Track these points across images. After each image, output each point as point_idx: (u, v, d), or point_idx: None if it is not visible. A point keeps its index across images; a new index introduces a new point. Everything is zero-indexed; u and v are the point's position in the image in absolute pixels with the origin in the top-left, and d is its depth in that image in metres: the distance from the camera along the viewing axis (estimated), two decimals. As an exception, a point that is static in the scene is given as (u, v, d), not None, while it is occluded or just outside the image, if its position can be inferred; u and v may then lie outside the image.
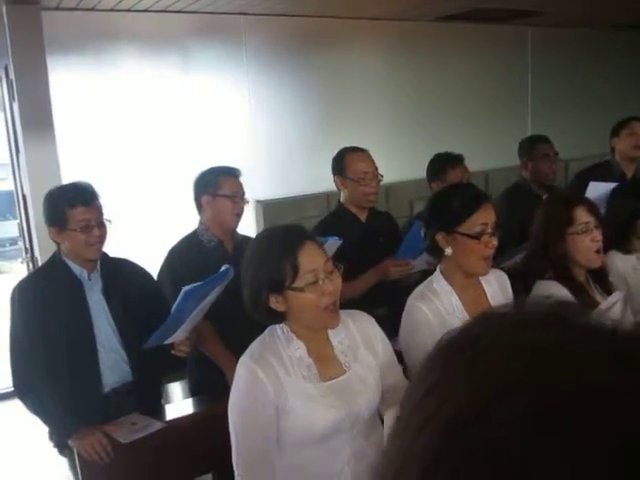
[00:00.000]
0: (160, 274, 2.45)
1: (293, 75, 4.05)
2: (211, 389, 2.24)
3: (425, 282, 1.88)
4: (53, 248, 2.21)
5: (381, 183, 2.68)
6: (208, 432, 1.97)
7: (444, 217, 1.80)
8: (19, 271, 5.43)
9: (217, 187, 2.42)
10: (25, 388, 2.05)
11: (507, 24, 4.75)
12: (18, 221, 4.35)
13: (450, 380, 0.37)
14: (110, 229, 2.17)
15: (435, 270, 1.88)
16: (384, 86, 4.42)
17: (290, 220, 3.41)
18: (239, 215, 2.46)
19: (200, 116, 3.72)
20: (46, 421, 2.09)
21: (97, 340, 2.12)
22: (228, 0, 3.39)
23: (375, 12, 4.04)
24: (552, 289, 1.94)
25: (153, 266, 2.45)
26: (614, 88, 5.33)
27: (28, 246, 3.95)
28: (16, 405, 2.16)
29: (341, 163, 2.64)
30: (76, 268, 2.13)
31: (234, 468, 1.46)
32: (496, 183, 4.21)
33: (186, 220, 2.61)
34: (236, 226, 2.49)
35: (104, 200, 2.19)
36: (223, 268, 1.97)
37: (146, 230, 3.42)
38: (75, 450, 1.96)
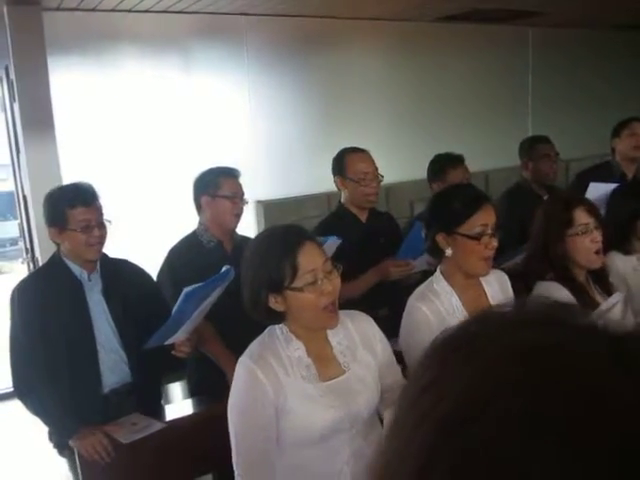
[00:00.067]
0: (160, 275, 2.45)
1: (294, 75, 4.05)
2: (211, 390, 2.24)
3: (426, 282, 1.88)
4: (54, 248, 2.21)
5: (381, 183, 2.68)
6: (208, 432, 1.97)
7: (444, 218, 1.80)
8: (20, 271, 5.43)
9: (217, 188, 2.43)
10: (25, 388, 2.05)
11: (507, 24, 4.75)
12: (19, 221, 4.35)
13: (446, 378, 0.37)
14: (110, 229, 2.17)
15: (435, 271, 1.88)
16: (384, 86, 4.42)
17: (291, 220, 3.41)
18: (239, 216, 2.47)
19: (201, 116, 3.72)
20: (46, 421, 2.09)
21: (97, 341, 2.12)
22: (229, 0, 3.40)
23: (375, 12, 4.05)
24: (553, 290, 1.94)
25: (153, 267, 2.45)
26: (614, 88, 5.33)
27: (29, 246, 3.95)
28: (16, 405, 2.16)
29: (341, 163, 2.64)
30: (76, 269, 2.13)
31: (234, 468, 1.46)
32: (496, 183, 4.21)
33: (186, 221, 2.61)
34: (235, 226, 2.50)
35: (105, 200, 2.20)
36: (224, 269, 1.97)
37: (147, 230, 3.42)
38: (76, 450, 1.97)
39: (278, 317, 1.48)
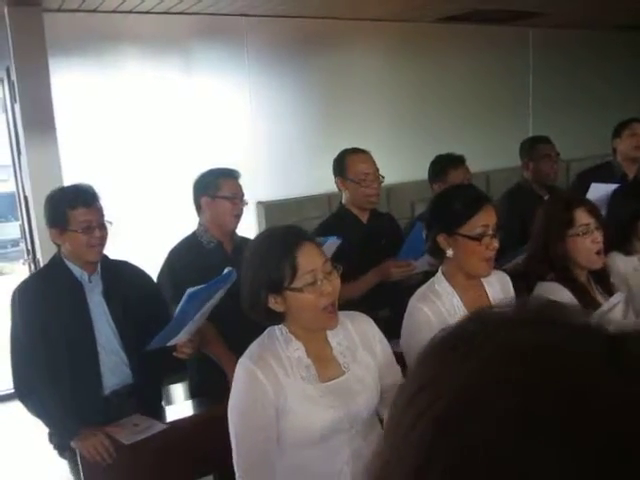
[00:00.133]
0: (160, 276, 2.45)
1: (294, 76, 4.05)
2: (212, 391, 2.24)
3: (427, 283, 1.88)
4: (55, 250, 2.21)
5: (382, 184, 2.68)
6: (209, 434, 1.97)
7: (445, 219, 1.80)
8: (21, 273, 5.43)
9: (216, 189, 2.43)
10: (26, 390, 2.05)
11: (508, 25, 4.75)
12: (20, 222, 4.36)
13: (443, 377, 0.38)
14: (111, 231, 2.17)
15: (437, 271, 1.88)
16: (385, 87, 4.42)
17: (291, 221, 3.40)
18: (238, 216, 2.47)
19: (201, 117, 3.72)
20: (47, 423, 2.09)
21: (98, 342, 2.12)
22: (230, 2, 3.40)
23: (376, 13, 4.05)
24: (554, 290, 1.94)
25: (153, 268, 2.45)
26: (615, 89, 5.33)
27: (30, 247, 3.96)
28: (17, 407, 2.16)
29: (342, 164, 2.64)
30: (77, 270, 2.13)
31: (235, 469, 1.46)
32: (497, 184, 4.21)
33: (187, 222, 2.61)
34: (235, 227, 2.50)
35: (106, 201, 2.20)
36: (226, 270, 1.97)
37: (149, 231, 3.42)
38: (77, 451, 1.97)
39: (277, 318, 1.48)
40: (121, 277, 2.21)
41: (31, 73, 3.15)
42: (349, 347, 1.56)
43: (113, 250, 2.25)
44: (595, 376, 0.34)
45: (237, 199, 2.45)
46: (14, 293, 2.11)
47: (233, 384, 1.47)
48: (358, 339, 1.58)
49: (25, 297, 2.09)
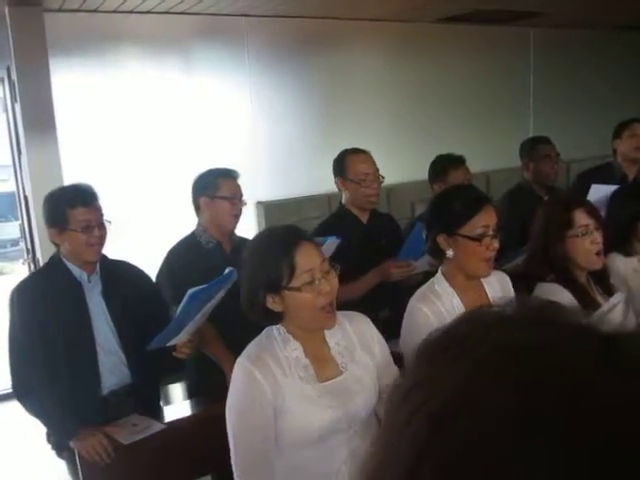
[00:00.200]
0: (159, 276, 2.45)
1: (294, 76, 4.05)
2: (210, 390, 2.24)
3: (427, 284, 1.88)
4: (54, 249, 2.21)
5: (382, 185, 2.68)
6: (208, 434, 1.97)
7: (445, 219, 1.80)
8: (21, 272, 5.43)
9: (215, 189, 2.43)
10: (24, 389, 2.04)
11: (509, 25, 4.75)
12: (20, 222, 4.35)
13: (438, 376, 0.38)
14: (111, 230, 2.17)
15: (437, 272, 1.88)
16: (385, 87, 4.42)
17: (291, 221, 3.40)
18: (237, 217, 2.47)
19: (202, 117, 3.73)
20: (46, 423, 2.08)
21: (96, 342, 2.11)
22: (230, 2, 3.40)
23: (376, 13, 4.05)
24: (554, 291, 1.94)
25: (152, 268, 2.45)
26: (616, 89, 5.32)
27: (30, 247, 3.95)
28: (15, 407, 2.15)
29: (342, 165, 2.64)
30: (76, 270, 2.12)
31: (233, 469, 1.46)
32: (497, 184, 4.21)
33: (187, 222, 2.61)
34: (234, 227, 2.50)
35: (106, 201, 2.20)
36: (227, 271, 1.97)
37: (149, 231, 3.42)
38: (76, 451, 1.97)
39: (275, 318, 1.49)
40: (120, 277, 2.21)
41: (32, 73, 3.15)
42: (347, 347, 1.55)
43: (112, 250, 2.25)
44: (589, 376, 0.34)
45: (236, 199, 2.45)
46: (12, 292, 2.11)
47: (231, 384, 1.47)
48: (356, 339, 1.58)
49: (23, 296, 2.09)
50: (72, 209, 2.06)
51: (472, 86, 4.75)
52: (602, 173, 3.29)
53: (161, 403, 2.44)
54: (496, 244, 1.77)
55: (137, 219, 3.44)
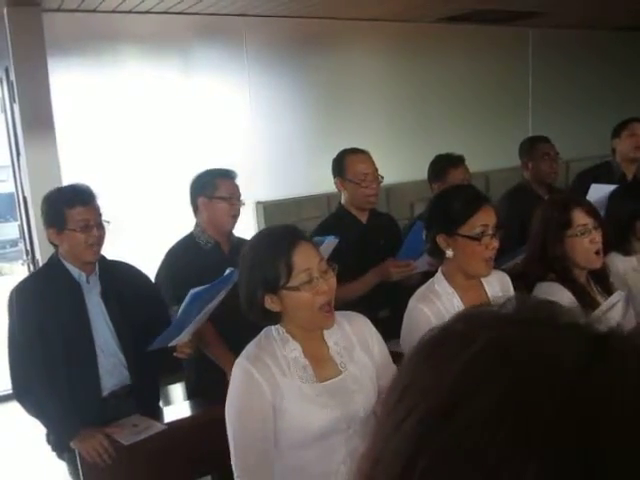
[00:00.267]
0: (158, 276, 2.45)
1: (294, 76, 4.05)
2: (209, 391, 2.24)
3: (427, 283, 1.88)
4: (53, 250, 2.20)
5: (381, 184, 2.68)
6: (208, 434, 1.97)
7: (444, 219, 1.80)
8: (20, 273, 5.43)
9: (213, 189, 2.43)
10: (23, 390, 2.04)
11: (508, 25, 4.75)
12: (19, 223, 4.35)
13: (431, 375, 0.38)
14: (110, 230, 2.17)
15: (437, 272, 1.88)
16: (385, 87, 4.42)
17: (291, 221, 3.40)
18: (235, 217, 2.47)
19: (201, 117, 3.72)
20: (46, 423, 2.08)
21: (96, 344, 2.11)
22: (229, 2, 3.40)
23: (375, 13, 4.04)
24: (553, 291, 1.94)
25: (151, 268, 2.45)
26: (614, 89, 5.33)
27: (29, 248, 3.95)
28: (15, 407, 2.15)
29: (341, 165, 2.64)
30: (74, 271, 2.12)
31: (233, 469, 1.46)
32: (497, 184, 4.21)
33: (187, 222, 2.61)
34: (232, 228, 2.50)
35: (105, 202, 2.20)
36: (228, 271, 1.97)
37: (148, 232, 3.41)
38: (77, 452, 1.96)
39: (274, 318, 1.49)
40: (119, 278, 2.20)
41: (30, 73, 3.14)
42: (346, 347, 1.55)
43: (111, 250, 2.25)
44: (576, 375, 0.34)
45: (234, 199, 2.45)
46: (11, 293, 2.10)
47: (230, 384, 1.47)
48: (355, 339, 1.58)
49: (22, 297, 2.08)
50: (70, 209, 2.06)
51: (471, 86, 4.75)
52: (601, 172, 3.29)
53: (161, 404, 2.44)
54: (496, 243, 1.77)
55: (136, 219, 3.43)
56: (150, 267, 2.45)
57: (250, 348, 1.50)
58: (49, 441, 2.17)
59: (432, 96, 4.58)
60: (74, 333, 2.07)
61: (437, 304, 1.78)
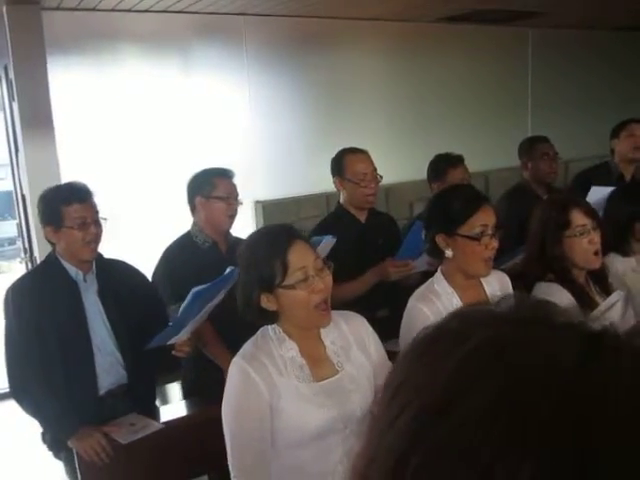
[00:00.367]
0: (155, 275, 2.44)
1: (293, 75, 4.05)
2: (206, 390, 2.24)
3: (426, 283, 1.88)
4: (51, 248, 2.20)
5: (381, 184, 2.67)
6: (205, 434, 1.97)
7: (444, 219, 1.80)
8: (18, 271, 5.42)
9: (211, 189, 2.42)
10: (20, 388, 2.04)
11: (507, 25, 4.75)
12: (17, 221, 4.34)
13: (425, 373, 0.38)
14: (108, 228, 2.17)
15: (436, 271, 1.88)
16: (384, 87, 4.42)
17: (289, 221, 3.40)
18: (233, 216, 2.46)
19: (200, 116, 3.72)
20: (43, 422, 2.08)
21: (93, 343, 2.11)
22: (229, 0, 3.39)
23: (375, 13, 4.04)
24: (552, 291, 1.94)
25: (149, 267, 2.44)
26: (614, 89, 5.33)
27: (27, 246, 3.94)
28: (12, 406, 2.14)
29: (340, 164, 2.64)
30: (71, 269, 2.11)
31: (230, 469, 1.45)
32: (496, 184, 4.21)
33: (185, 221, 2.60)
34: (229, 227, 2.49)
35: (103, 200, 2.19)
36: (228, 270, 1.97)
37: (146, 230, 3.41)
38: (74, 451, 1.96)
39: (270, 317, 1.48)
40: (116, 276, 2.20)
41: (29, 71, 3.14)
42: (343, 347, 1.55)
43: (108, 248, 2.25)
44: (569, 374, 0.33)
45: (231, 199, 2.44)
46: (7, 291, 2.10)
47: (227, 383, 1.47)
48: (352, 339, 1.57)
49: (19, 295, 2.08)
50: (67, 206, 2.05)
51: (471, 85, 4.75)
52: (599, 173, 3.29)
53: (157, 403, 2.44)
54: (495, 243, 1.77)
55: (134, 218, 3.43)
56: (147, 266, 2.44)
57: (247, 347, 1.50)
58: (45, 441, 2.16)
59: (431, 96, 4.57)
60: (71, 332, 2.07)
61: (436, 304, 1.78)
